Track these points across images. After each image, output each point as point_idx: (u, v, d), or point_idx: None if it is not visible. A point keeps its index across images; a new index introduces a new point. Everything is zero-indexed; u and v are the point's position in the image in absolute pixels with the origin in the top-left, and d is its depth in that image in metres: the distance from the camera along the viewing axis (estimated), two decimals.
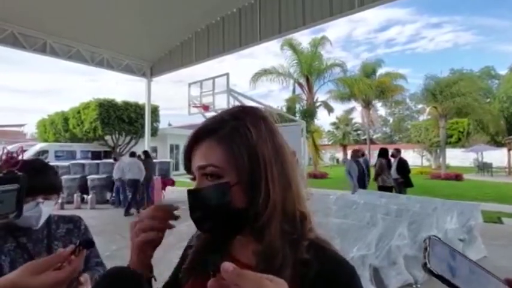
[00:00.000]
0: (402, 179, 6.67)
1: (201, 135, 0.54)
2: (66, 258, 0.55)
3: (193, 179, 0.56)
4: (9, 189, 0.64)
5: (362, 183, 6.95)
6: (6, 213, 0.64)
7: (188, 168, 0.57)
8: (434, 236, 0.38)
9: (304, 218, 0.54)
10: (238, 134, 0.52)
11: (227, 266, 0.34)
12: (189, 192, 0.54)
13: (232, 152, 0.51)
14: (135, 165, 7.84)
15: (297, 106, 20.22)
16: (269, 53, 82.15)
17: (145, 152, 8.91)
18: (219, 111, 0.59)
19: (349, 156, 7.96)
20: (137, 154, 8.45)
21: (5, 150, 0.75)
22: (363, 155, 7.74)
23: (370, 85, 19.58)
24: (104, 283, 0.57)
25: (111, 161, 10.03)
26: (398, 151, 7.03)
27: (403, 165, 6.75)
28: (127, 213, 7.62)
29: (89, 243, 0.59)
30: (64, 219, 1.23)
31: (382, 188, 6.46)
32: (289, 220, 0.52)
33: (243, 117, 0.54)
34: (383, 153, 6.83)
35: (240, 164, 0.51)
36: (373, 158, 10.27)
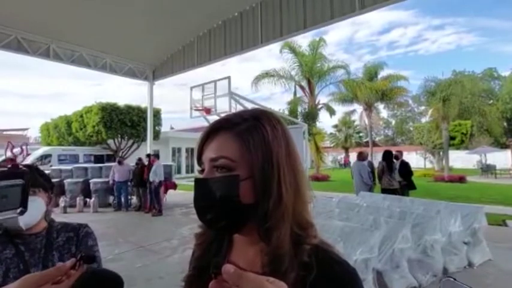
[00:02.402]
0: (405, 182, 6.63)
1: (217, 128, 0.55)
2: (66, 272, 0.54)
3: (202, 171, 0.56)
4: (14, 184, 0.64)
5: (369, 186, 6.90)
6: (10, 209, 0.63)
7: (199, 160, 0.57)
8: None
9: (310, 225, 0.54)
10: (256, 132, 0.52)
11: (228, 267, 0.34)
12: (197, 180, 0.54)
13: (247, 147, 0.51)
14: (162, 167, 8.58)
15: (299, 108, 20.22)
16: (272, 55, 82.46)
17: (156, 155, 9.09)
18: (237, 111, 0.59)
19: (351, 159, 7.92)
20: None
21: (10, 146, 0.74)
22: (367, 156, 7.69)
23: (372, 87, 19.58)
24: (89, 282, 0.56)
25: (114, 164, 10.04)
26: (400, 153, 7.00)
27: (405, 168, 6.72)
28: (159, 213, 8.04)
29: (90, 259, 0.58)
30: (67, 227, 1.16)
31: (386, 191, 6.41)
32: (297, 225, 0.52)
33: (261, 117, 0.55)
34: (387, 155, 6.78)
35: (253, 159, 0.51)
36: (375, 160, 10.23)
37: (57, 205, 8.42)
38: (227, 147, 0.52)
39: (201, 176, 0.55)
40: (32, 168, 1.13)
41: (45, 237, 1.08)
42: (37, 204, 1.05)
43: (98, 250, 1.18)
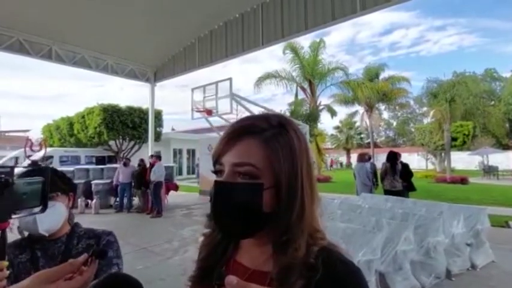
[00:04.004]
0: (405, 183, 6.60)
1: (243, 132, 0.52)
2: (78, 268, 0.54)
3: (216, 172, 0.54)
4: (34, 181, 0.63)
5: (369, 187, 6.87)
6: (30, 207, 0.62)
7: (217, 161, 0.54)
8: None
9: (318, 231, 0.54)
10: (283, 141, 0.51)
11: (231, 279, 0.34)
12: (218, 183, 0.51)
13: (276, 156, 0.50)
14: (163, 167, 8.57)
15: (300, 110, 20.22)
16: (273, 57, 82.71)
17: (158, 156, 9.07)
18: (260, 114, 0.57)
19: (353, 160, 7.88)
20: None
21: (29, 143, 0.73)
22: (370, 158, 7.65)
23: (373, 88, 19.59)
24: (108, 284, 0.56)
25: (116, 165, 10.04)
26: (399, 155, 6.95)
27: (404, 169, 6.68)
28: (158, 215, 7.94)
29: (102, 254, 0.57)
30: (89, 234, 1.09)
31: (388, 192, 6.36)
32: (309, 234, 0.52)
33: (287, 126, 0.53)
34: (391, 156, 6.72)
35: (280, 170, 0.49)
36: (377, 162, 10.19)
37: None
38: (253, 154, 0.50)
39: (222, 179, 0.51)
40: (51, 170, 1.08)
41: (64, 244, 1.04)
42: (57, 210, 1.01)
43: (119, 263, 1.05)
